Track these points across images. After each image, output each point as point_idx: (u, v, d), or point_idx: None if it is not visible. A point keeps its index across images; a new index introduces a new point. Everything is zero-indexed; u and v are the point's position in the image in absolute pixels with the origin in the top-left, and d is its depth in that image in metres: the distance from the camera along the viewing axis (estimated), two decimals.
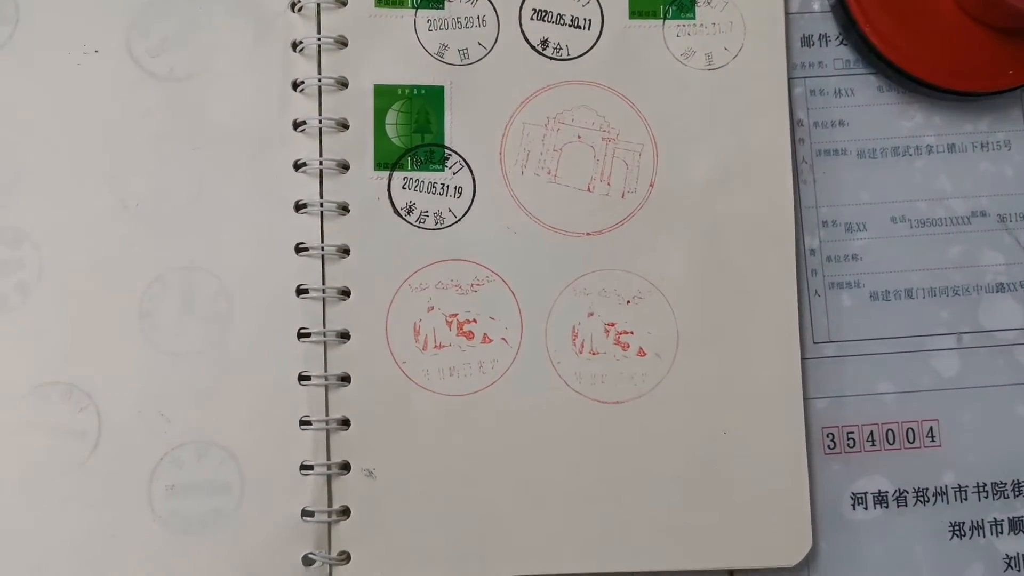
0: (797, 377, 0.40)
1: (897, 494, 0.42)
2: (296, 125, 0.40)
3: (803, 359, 0.41)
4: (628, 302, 0.41)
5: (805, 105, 0.44)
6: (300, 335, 0.39)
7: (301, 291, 0.40)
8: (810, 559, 0.41)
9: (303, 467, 0.38)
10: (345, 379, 0.40)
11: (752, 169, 0.41)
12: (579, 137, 0.41)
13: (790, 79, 0.42)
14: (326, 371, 0.39)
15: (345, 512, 0.39)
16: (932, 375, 0.42)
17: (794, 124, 0.43)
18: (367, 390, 0.39)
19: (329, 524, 0.38)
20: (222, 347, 0.39)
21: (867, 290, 0.43)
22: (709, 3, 0.42)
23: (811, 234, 0.43)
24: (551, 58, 0.42)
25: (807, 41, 0.44)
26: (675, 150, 0.41)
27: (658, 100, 0.41)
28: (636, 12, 0.42)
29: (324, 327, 0.39)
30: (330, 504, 0.38)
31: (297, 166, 0.40)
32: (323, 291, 0.39)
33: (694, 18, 0.42)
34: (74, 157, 0.40)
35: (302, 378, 0.39)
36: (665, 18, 0.42)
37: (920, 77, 0.42)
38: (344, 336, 0.40)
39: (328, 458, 0.39)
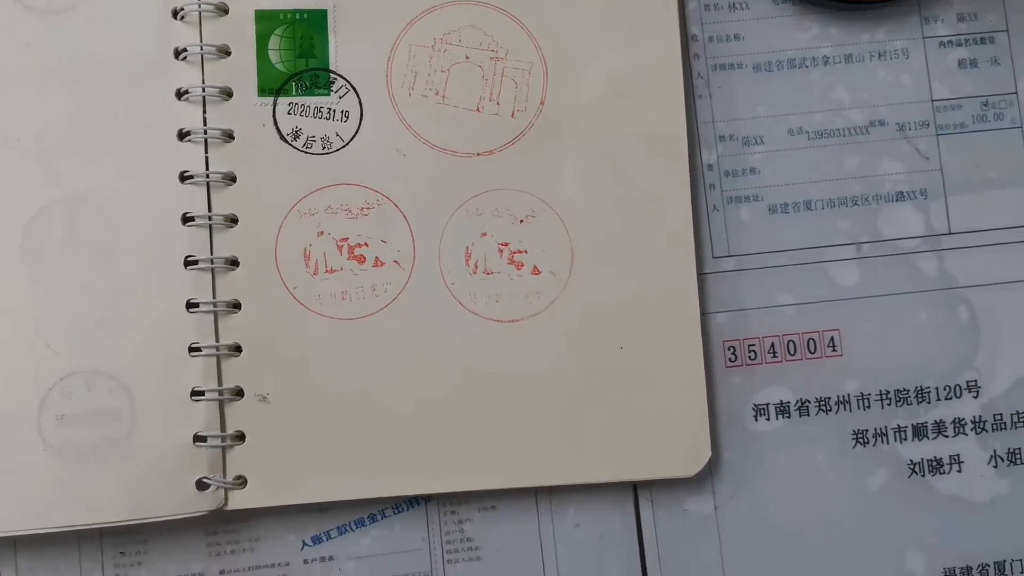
0: (693, 291, 0.41)
1: (799, 404, 0.42)
2: (177, 53, 0.40)
3: (702, 274, 0.42)
4: (521, 221, 0.41)
5: (699, 20, 0.44)
6: (187, 263, 0.39)
7: (187, 219, 0.40)
8: (712, 470, 0.42)
9: (194, 393, 0.39)
10: (235, 306, 0.40)
11: (644, 85, 0.41)
12: (467, 57, 0.41)
13: None
14: (215, 298, 0.39)
15: (240, 437, 0.39)
16: (832, 286, 0.43)
17: (688, 39, 0.43)
18: (258, 316, 0.40)
19: (223, 449, 0.39)
20: (108, 277, 0.39)
21: (765, 203, 0.43)
22: None
23: (708, 149, 0.43)
24: None
25: None
26: (565, 68, 0.41)
27: (547, 17, 0.41)
28: None
29: (212, 254, 0.39)
30: (223, 429, 0.38)
31: (180, 94, 0.40)
32: (209, 219, 0.39)
33: None
34: None
35: (190, 305, 0.39)
36: None
37: None
38: (233, 263, 0.40)
39: (220, 383, 0.39)
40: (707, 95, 0.44)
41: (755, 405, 0.42)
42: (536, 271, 0.41)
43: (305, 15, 0.41)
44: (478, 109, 0.41)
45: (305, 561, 0.40)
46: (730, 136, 0.43)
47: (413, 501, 0.41)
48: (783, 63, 0.44)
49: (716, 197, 0.43)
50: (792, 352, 0.43)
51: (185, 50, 0.40)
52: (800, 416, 0.41)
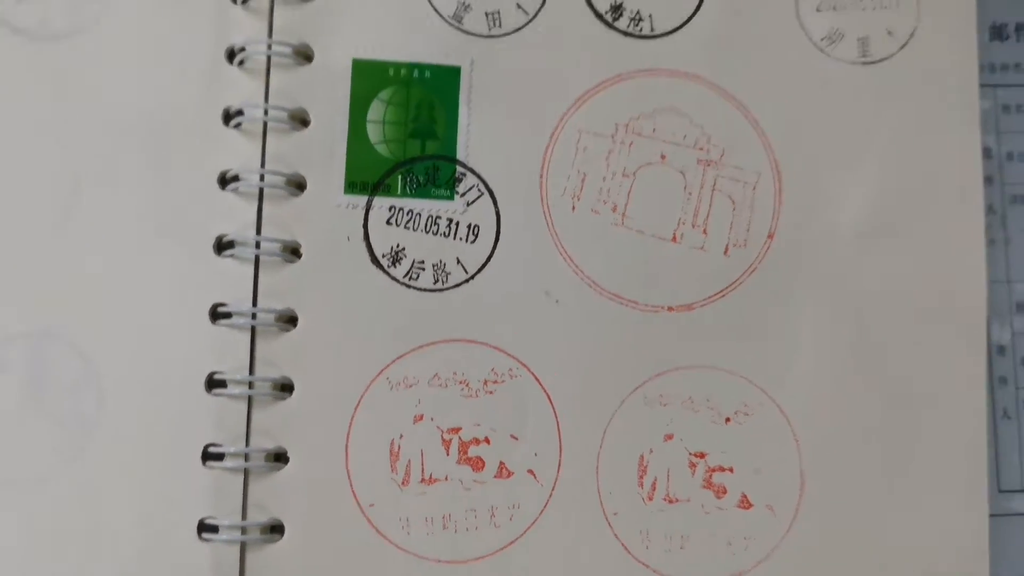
0: (983, 545, 0.32)
1: None
2: (228, 116, 0.31)
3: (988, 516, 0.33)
4: (727, 420, 0.32)
5: (995, 127, 0.35)
6: (208, 455, 0.30)
7: (215, 383, 0.30)
8: None
9: None
10: (276, 529, 0.30)
11: (923, 219, 0.33)
12: (663, 157, 0.32)
13: None
14: (244, 519, 0.29)
15: None
16: None
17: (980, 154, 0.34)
18: (309, 547, 0.30)
19: None
20: (82, 470, 0.29)
21: None
22: None
23: (1000, 322, 0.34)
24: (626, 33, 0.33)
25: (999, 32, 0.36)
26: (808, 184, 0.33)
27: (786, 107, 0.33)
28: None
29: (247, 444, 0.30)
30: None
31: (225, 180, 0.31)
32: (249, 385, 0.30)
33: None
34: None
35: (205, 528, 0.29)
36: None
37: None
38: (279, 458, 0.30)
39: None
40: (1001, 240, 0.35)
41: None
42: (745, 503, 0.32)
43: (428, 72, 0.32)
44: (674, 238, 0.32)
45: None
46: None
47: None
48: None
49: (1008, 397, 0.34)
50: None
51: (240, 112, 0.31)
52: None
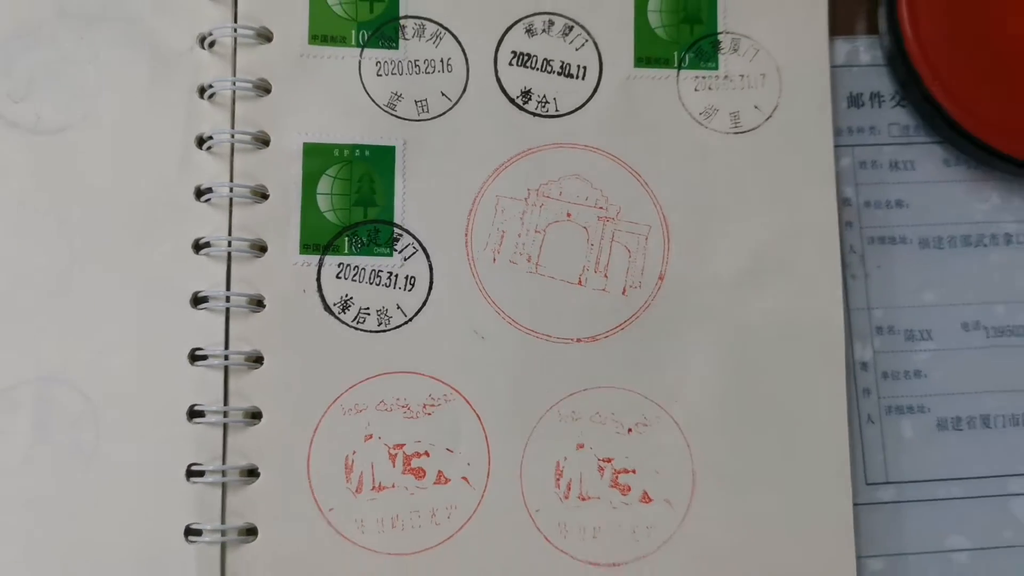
0: (849, 531, 0.35)
1: None
2: (199, 193, 0.35)
3: (853, 505, 0.36)
4: (629, 430, 0.35)
5: (853, 180, 0.39)
6: (190, 473, 0.33)
7: (195, 413, 0.33)
8: None
9: None
10: (250, 531, 0.33)
11: (790, 260, 0.36)
12: (569, 215, 0.36)
13: (835, 147, 0.37)
14: (224, 523, 0.33)
15: None
16: (1017, 527, 0.37)
17: (840, 203, 0.38)
18: (278, 548, 0.33)
19: None
20: (85, 490, 0.33)
21: (933, 416, 0.37)
22: (735, 50, 0.37)
23: (863, 343, 0.38)
24: (534, 114, 0.37)
25: (855, 101, 0.39)
26: (692, 234, 0.36)
27: (671, 170, 0.36)
28: (643, 59, 0.37)
29: (224, 463, 0.33)
30: None
31: (198, 246, 0.34)
32: (224, 414, 0.33)
33: (716, 68, 0.37)
34: None
35: (190, 532, 0.33)
36: (680, 67, 0.37)
37: (999, 149, 0.37)
38: (251, 474, 0.34)
39: None
40: (862, 275, 0.38)
41: None
42: (646, 498, 0.35)
43: (367, 152, 0.36)
44: (580, 282, 0.36)
45: None
46: (889, 328, 0.38)
47: None
48: (956, 239, 0.38)
49: (871, 405, 0.37)
50: None
51: (210, 190, 0.35)
52: None
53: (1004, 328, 0.38)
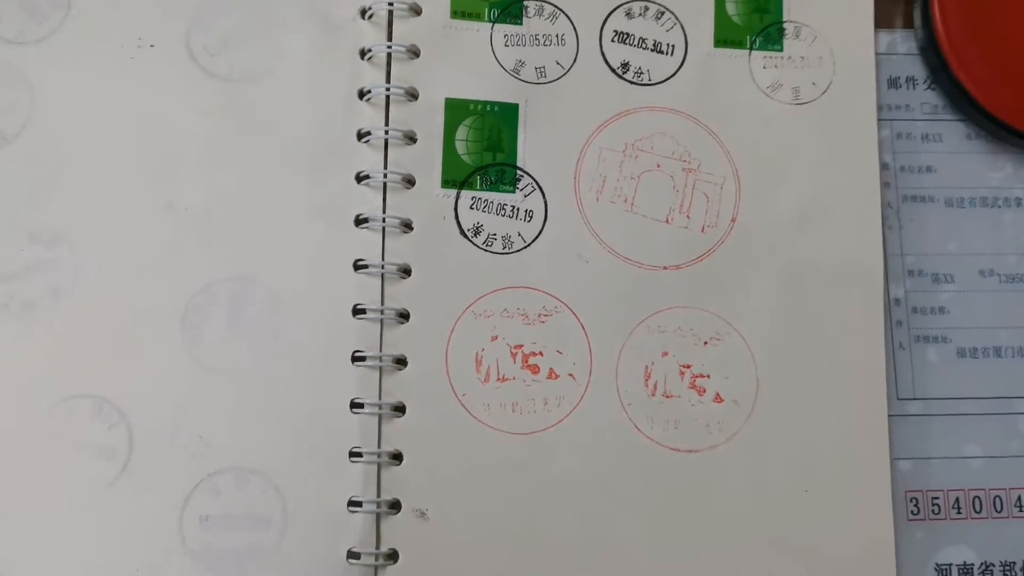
0: (884, 435, 0.40)
1: (983, 568, 0.41)
2: (360, 135, 0.40)
3: (887, 416, 0.40)
4: (705, 343, 0.40)
5: (891, 148, 0.44)
6: (354, 358, 0.38)
7: (358, 311, 0.39)
8: None
9: (351, 503, 0.37)
10: (399, 409, 0.38)
11: (839, 210, 0.41)
12: (658, 166, 0.41)
13: (877, 120, 0.42)
14: (380, 399, 0.38)
15: (392, 556, 0.37)
16: (1021, 440, 0.42)
17: (880, 167, 0.42)
18: (422, 422, 0.38)
19: (376, 568, 0.36)
20: (270, 366, 0.38)
21: (954, 345, 0.42)
22: (797, 36, 0.43)
23: (896, 283, 0.43)
24: (631, 82, 0.42)
25: (894, 83, 0.44)
26: (758, 185, 0.41)
27: (742, 132, 0.42)
28: (721, 40, 0.43)
29: (380, 351, 0.38)
30: (378, 546, 0.37)
31: (359, 178, 0.40)
32: (381, 312, 0.38)
33: (781, 50, 0.43)
34: (120, 155, 0.39)
35: (354, 405, 0.38)
36: (751, 48, 0.43)
37: (1014, 126, 0.42)
38: (401, 362, 0.39)
39: (378, 495, 0.37)
40: (897, 226, 0.43)
41: (937, 565, 0.41)
42: (718, 398, 0.40)
43: (496, 107, 0.41)
44: (667, 221, 0.41)
45: None
46: (919, 271, 0.43)
47: None
48: (975, 200, 0.43)
49: (903, 334, 0.42)
50: (977, 509, 0.41)
51: (369, 133, 0.40)
52: None
53: (1014, 275, 0.43)
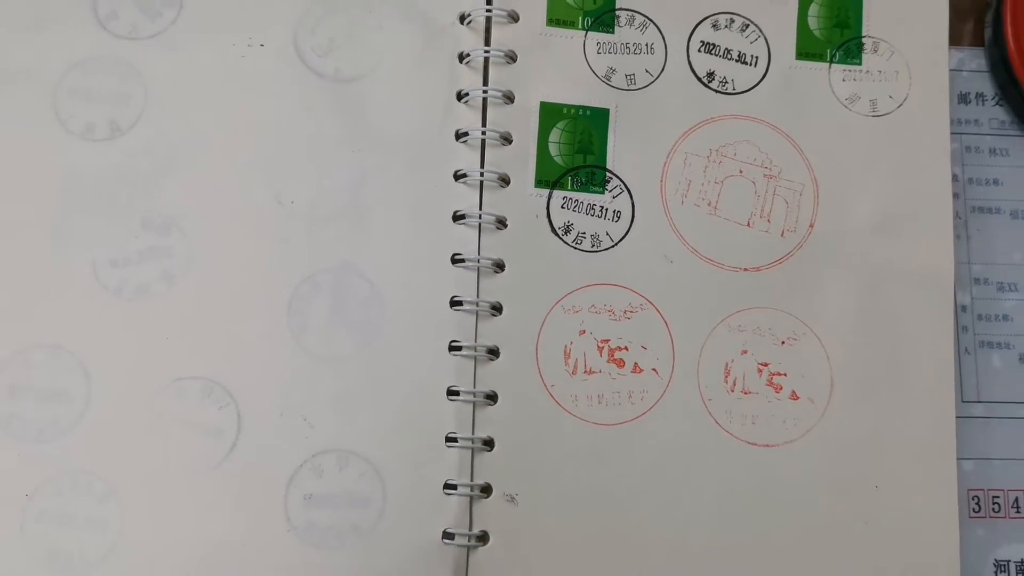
0: (951, 436, 0.41)
1: None
2: (458, 135, 0.41)
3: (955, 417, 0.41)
4: (783, 343, 0.41)
5: (960, 161, 0.45)
6: (451, 348, 0.40)
7: (455, 303, 0.40)
8: None
9: (446, 486, 0.38)
10: (491, 397, 0.40)
11: (912, 218, 0.43)
12: (741, 171, 0.43)
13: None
14: (475, 387, 0.39)
15: (483, 538, 0.39)
16: None
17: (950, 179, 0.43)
18: (514, 411, 0.40)
19: (468, 549, 0.38)
20: (371, 354, 0.39)
21: (1016, 352, 0.44)
22: (875, 51, 0.44)
23: (963, 290, 0.44)
24: (716, 91, 0.43)
25: (964, 98, 0.46)
26: (836, 193, 0.43)
27: (821, 142, 0.43)
28: (803, 53, 0.44)
29: (475, 341, 0.40)
30: (471, 528, 0.38)
31: (457, 176, 0.41)
32: (477, 305, 0.40)
33: (860, 64, 0.44)
34: (231, 148, 0.41)
35: (450, 393, 0.39)
36: (832, 62, 0.44)
37: None
38: (494, 353, 0.40)
39: (472, 479, 0.38)
40: (964, 236, 0.44)
41: (996, 561, 0.42)
42: (794, 396, 0.41)
43: (588, 112, 0.42)
44: (749, 224, 0.42)
45: None
46: (985, 279, 0.44)
47: None
48: None
49: (968, 339, 0.44)
50: None
51: (467, 133, 0.41)
52: None
53: None
